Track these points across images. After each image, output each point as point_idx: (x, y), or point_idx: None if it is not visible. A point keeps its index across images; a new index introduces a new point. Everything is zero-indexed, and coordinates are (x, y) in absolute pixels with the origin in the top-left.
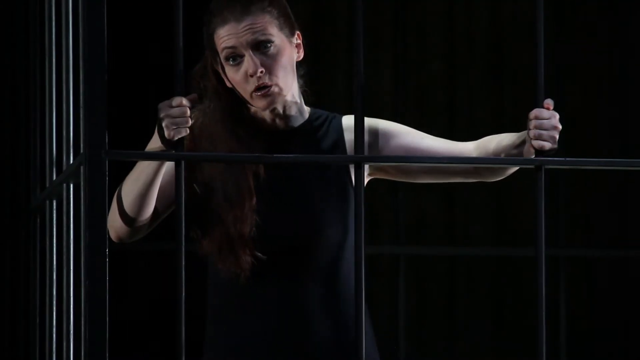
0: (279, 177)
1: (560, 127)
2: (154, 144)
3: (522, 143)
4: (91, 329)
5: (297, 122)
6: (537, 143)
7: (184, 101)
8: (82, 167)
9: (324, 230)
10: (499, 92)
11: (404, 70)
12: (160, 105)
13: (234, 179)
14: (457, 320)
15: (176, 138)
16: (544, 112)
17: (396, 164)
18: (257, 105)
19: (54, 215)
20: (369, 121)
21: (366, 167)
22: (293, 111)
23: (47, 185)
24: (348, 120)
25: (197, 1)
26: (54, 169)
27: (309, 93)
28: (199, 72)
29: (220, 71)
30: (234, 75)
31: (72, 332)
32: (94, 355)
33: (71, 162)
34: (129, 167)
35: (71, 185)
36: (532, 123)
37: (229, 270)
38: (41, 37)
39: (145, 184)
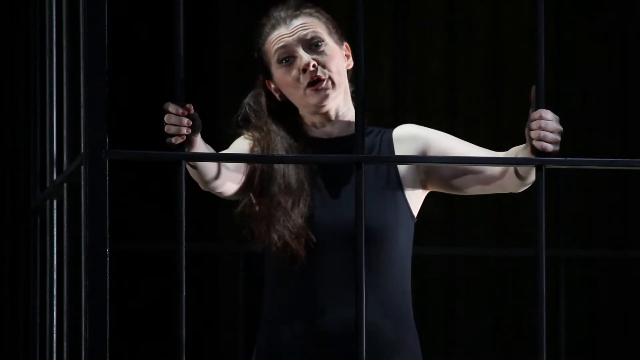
0: (331, 172)
1: (562, 129)
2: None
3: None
4: (91, 329)
5: (349, 131)
6: (539, 144)
7: (172, 107)
8: (82, 167)
9: (370, 226)
10: (499, 92)
11: (404, 70)
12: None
13: (294, 168)
14: (457, 320)
15: (168, 143)
16: (548, 113)
17: (443, 178)
18: (311, 102)
19: (54, 215)
20: (412, 128)
21: (419, 178)
22: (345, 117)
23: (47, 185)
24: (398, 131)
25: (197, 2)
26: (54, 169)
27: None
28: (253, 95)
29: (271, 86)
30: (285, 77)
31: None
32: (94, 355)
33: (71, 162)
34: (128, 167)
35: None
36: (536, 123)
37: (286, 256)
38: (41, 37)
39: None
